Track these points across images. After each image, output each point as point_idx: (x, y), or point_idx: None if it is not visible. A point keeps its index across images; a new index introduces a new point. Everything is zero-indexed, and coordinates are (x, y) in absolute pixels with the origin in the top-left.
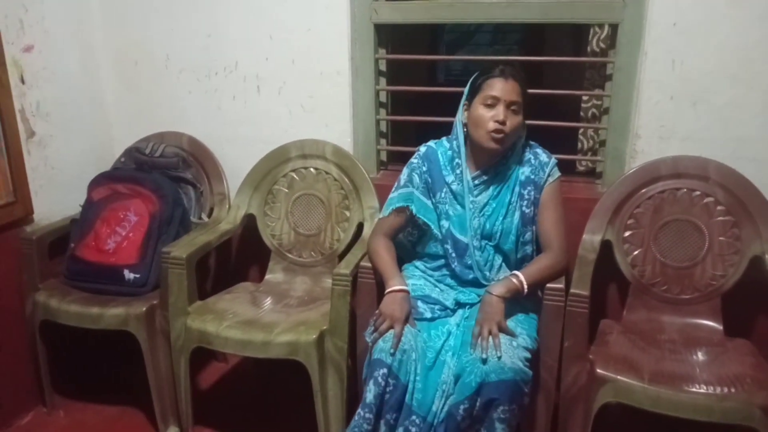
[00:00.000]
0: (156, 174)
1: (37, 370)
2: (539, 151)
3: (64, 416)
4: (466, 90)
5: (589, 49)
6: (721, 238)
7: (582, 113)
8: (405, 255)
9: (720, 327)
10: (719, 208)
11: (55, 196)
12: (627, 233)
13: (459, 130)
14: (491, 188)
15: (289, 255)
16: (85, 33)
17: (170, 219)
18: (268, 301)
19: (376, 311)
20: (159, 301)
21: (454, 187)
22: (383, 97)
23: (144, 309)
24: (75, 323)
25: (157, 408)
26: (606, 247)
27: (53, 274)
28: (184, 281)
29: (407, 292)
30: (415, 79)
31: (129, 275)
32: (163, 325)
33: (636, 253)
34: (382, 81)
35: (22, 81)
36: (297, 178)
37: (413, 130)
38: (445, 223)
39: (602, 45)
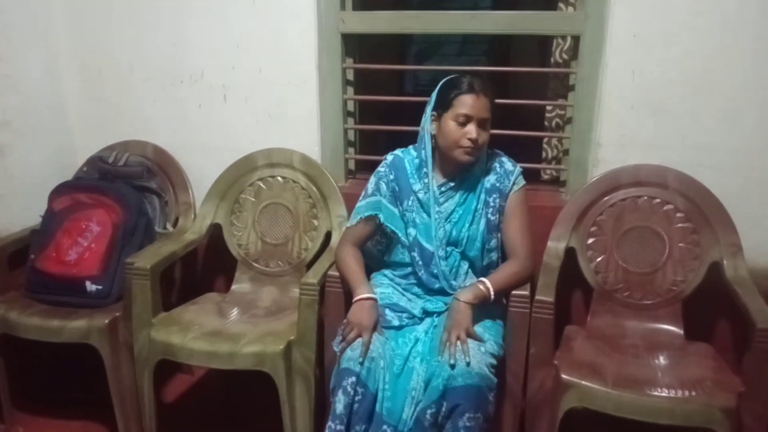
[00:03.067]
0: (120, 183)
1: None
2: (504, 159)
3: None
4: (432, 99)
5: (552, 60)
6: (680, 245)
7: (546, 123)
8: (373, 264)
9: (681, 331)
10: (678, 215)
11: (16, 207)
12: (590, 240)
13: (427, 140)
14: (457, 195)
15: (256, 265)
16: (49, 41)
17: (134, 229)
18: (234, 312)
19: (344, 320)
20: (122, 312)
21: (420, 195)
22: (351, 107)
23: (106, 321)
24: (35, 337)
25: (120, 423)
26: (570, 254)
27: (13, 286)
28: (148, 292)
29: (375, 300)
30: (384, 89)
31: (91, 287)
32: (126, 338)
33: (599, 259)
34: (350, 90)
35: None
36: (264, 187)
37: (382, 139)
38: (412, 231)
39: (565, 56)
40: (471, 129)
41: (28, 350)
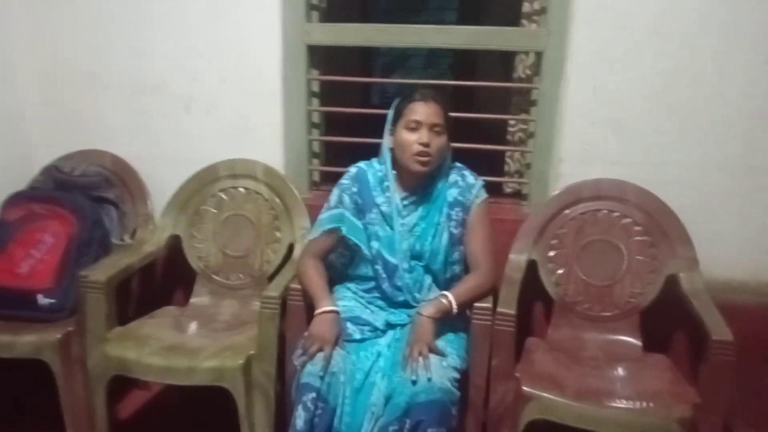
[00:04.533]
0: (76, 194)
1: None
2: (466, 173)
3: None
4: (390, 116)
5: (515, 75)
6: (638, 258)
7: (509, 137)
8: (336, 276)
9: (639, 343)
10: (637, 228)
11: None
12: (551, 253)
13: (386, 155)
14: (420, 209)
15: (216, 277)
16: (6, 47)
17: (89, 241)
18: (193, 326)
19: (305, 333)
20: (76, 327)
21: (383, 208)
22: (316, 118)
23: (59, 336)
24: None
25: None
26: (532, 266)
27: None
28: (103, 306)
29: (337, 313)
30: (350, 101)
31: (43, 300)
32: (80, 353)
33: (560, 272)
34: (315, 101)
35: None
36: (226, 198)
37: (347, 150)
38: (374, 244)
39: (528, 71)
40: (422, 134)
41: None
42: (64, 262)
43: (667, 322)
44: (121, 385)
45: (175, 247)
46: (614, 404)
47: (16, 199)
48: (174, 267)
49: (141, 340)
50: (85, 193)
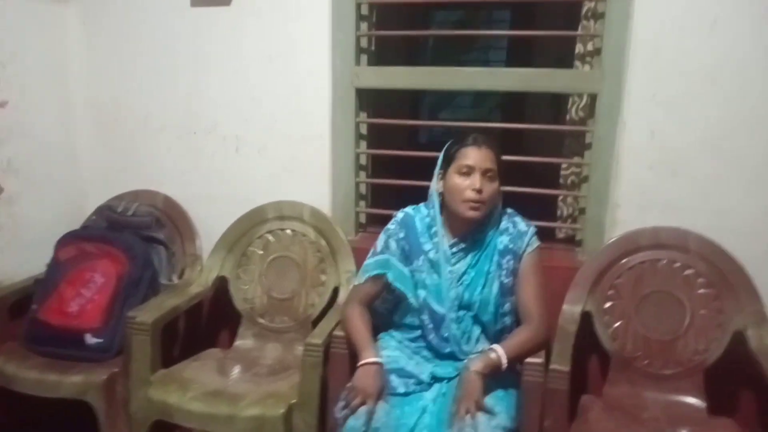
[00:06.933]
0: (127, 233)
1: None
2: (518, 219)
3: None
4: (439, 159)
5: (568, 117)
6: (702, 311)
7: (561, 180)
8: (381, 323)
9: (704, 404)
10: (700, 280)
11: (22, 255)
12: (607, 304)
13: (435, 199)
14: (469, 257)
15: (261, 320)
16: (64, 89)
17: (139, 281)
18: (236, 370)
19: (348, 385)
20: (121, 368)
21: (431, 255)
22: (363, 160)
23: (104, 378)
24: (32, 391)
25: None
26: (586, 318)
27: (13, 336)
28: (148, 348)
29: (381, 365)
30: (397, 141)
31: (91, 340)
32: (124, 395)
33: (617, 325)
34: (363, 144)
35: None
36: (273, 239)
37: (395, 192)
38: (422, 293)
39: (581, 114)
40: (474, 180)
41: (21, 404)
42: (112, 301)
43: (734, 382)
44: (164, 429)
45: (221, 288)
46: None
47: (69, 238)
48: (220, 309)
49: (184, 383)
50: (136, 232)
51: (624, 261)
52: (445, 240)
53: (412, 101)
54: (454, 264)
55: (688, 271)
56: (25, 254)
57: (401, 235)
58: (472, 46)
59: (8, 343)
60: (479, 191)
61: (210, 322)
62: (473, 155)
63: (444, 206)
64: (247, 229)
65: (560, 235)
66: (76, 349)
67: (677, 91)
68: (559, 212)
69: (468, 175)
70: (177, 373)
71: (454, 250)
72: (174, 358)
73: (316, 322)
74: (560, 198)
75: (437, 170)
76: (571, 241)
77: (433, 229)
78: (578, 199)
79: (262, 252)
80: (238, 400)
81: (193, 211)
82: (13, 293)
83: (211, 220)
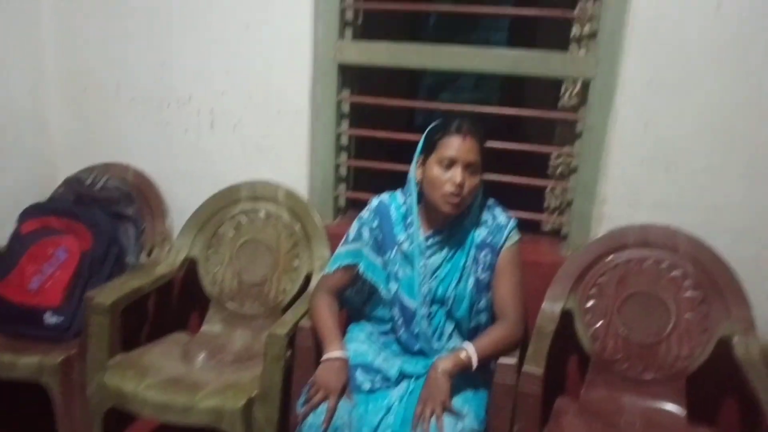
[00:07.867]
0: (95, 208)
1: None
2: (498, 211)
3: None
4: (420, 145)
5: (560, 103)
6: (687, 315)
7: (550, 170)
8: (354, 313)
9: (684, 412)
10: (687, 282)
11: None
12: (589, 303)
13: (412, 188)
14: (445, 250)
15: (230, 305)
16: (33, 56)
17: (104, 258)
18: (201, 356)
19: (311, 379)
20: (78, 350)
21: (404, 247)
22: (345, 141)
23: (60, 360)
24: None
25: None
26: (566, 316)
27: None
28: (106, 331)
29: (346, 360)
30: (395, 122)
31: (50, 318)
32: (81, 380)
33: (598, 325)
34: (345, 123)
35: None
36: (245, 221)
37: (387, 175)
38: (393, 285)
39: (575, 100)
40: (456, 173)
41: None
42: (74, 279)
43: (717, 391)
44: (124, 415)
45: (192, 269)
46: None
47: (33, 211)
48: (191, 291)
49: (142, 369)
50: (104, 207)
51: (609, 259)
52: (420, 231)
53: (410, 82)
54: (429, 257)
55: (675, 272)
56: None
57: (375, 224)
58: (476, 26)
59: None
60: (460, 186)
61: (180, 305)
62: (456, 146)
63: (421, 195)
64: (219, 209)
65: (547, 227)
66: (35, 327)
67: (675, 75)
68: (546, 204)
69: (449, 167)
70: (136, 358)
71: (430, 242)
72: (140, 341)
73: (286, 310)
74: (548, 188)
75: (416, 156)
76: (557, 234)
77: (409, 219)
78: (566, 190)
79: (233, 233)
80: (197, 389)
81: (165, 187)
82: None
83: (183, 198)
